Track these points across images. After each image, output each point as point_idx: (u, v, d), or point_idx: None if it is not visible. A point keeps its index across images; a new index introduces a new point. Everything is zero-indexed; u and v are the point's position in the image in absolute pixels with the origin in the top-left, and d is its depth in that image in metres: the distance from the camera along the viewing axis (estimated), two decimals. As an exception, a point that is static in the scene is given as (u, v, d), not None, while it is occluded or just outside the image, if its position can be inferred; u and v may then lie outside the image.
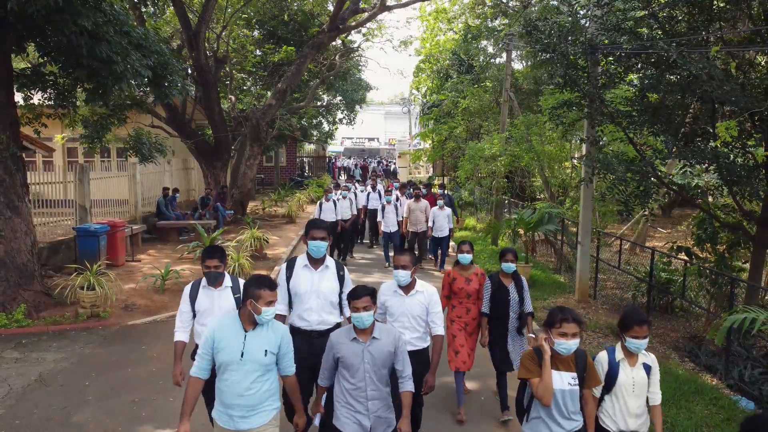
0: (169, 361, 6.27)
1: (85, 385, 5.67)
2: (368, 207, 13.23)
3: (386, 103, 52.27)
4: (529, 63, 19.51)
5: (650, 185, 7.18)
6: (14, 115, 7.87)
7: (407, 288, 4.06)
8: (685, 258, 8.73)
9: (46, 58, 7.53)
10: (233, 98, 21.20)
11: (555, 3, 13.34)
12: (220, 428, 3.19)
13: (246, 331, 3.13)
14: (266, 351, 3.11)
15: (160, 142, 10.07)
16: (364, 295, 3.22)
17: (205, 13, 15.24)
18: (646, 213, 14.63)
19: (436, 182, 26.80)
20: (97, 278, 7.84)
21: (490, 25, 22.28)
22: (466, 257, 5.16)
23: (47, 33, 7.07)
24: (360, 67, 29.54)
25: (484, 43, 22.91)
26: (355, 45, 24.16)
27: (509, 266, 5.01)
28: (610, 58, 7.96)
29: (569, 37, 7.77)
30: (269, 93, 22.18)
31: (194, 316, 4.06)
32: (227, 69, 20.16)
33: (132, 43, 7.61)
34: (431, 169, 32.92)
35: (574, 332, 3.00)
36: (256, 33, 22.24)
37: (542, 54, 7.91)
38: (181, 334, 4.04)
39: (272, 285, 3.14)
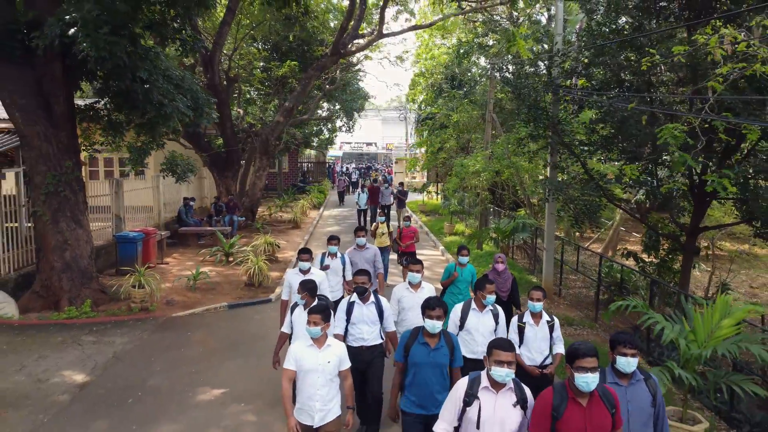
0: (211, 345, 8.03)
1: (151, 360, 7.37)
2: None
3: (383, 109, 54.02)
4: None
5: (595, 205, 8.92)
6: (76, 145, 9.58)
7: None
8: (626, 263, 10.50)
9: (105, 99, 9.25)
10: (241, 111, 22.88)
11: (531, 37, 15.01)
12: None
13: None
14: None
15: (191, 163, 11.75)
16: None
17: (219, 38, 16.92)
18: (616, 222, 16.41)
19: (431, 188, 28.55)
20: (146, 278, 9.54)
21: (481, 41, 23.96)
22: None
23: (109, 81, 8.77)
24: (359, 78, 31.36)
25: (475, 57, 24.60)
26: (355, 60, 25.88)
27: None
28: (567, 98, 9.69)
29: (532, 82, 9.51)
30: (274, 103, 23.92)
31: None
32: (236, 84, 21.85)
33: (172, 83, 9.31)
34: (426, 176, 34.55)
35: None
36: (260, 46, 23.85)
37: (511, 94, 9.62)
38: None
39: None
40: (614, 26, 8.68)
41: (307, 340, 4.21)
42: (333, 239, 7.43)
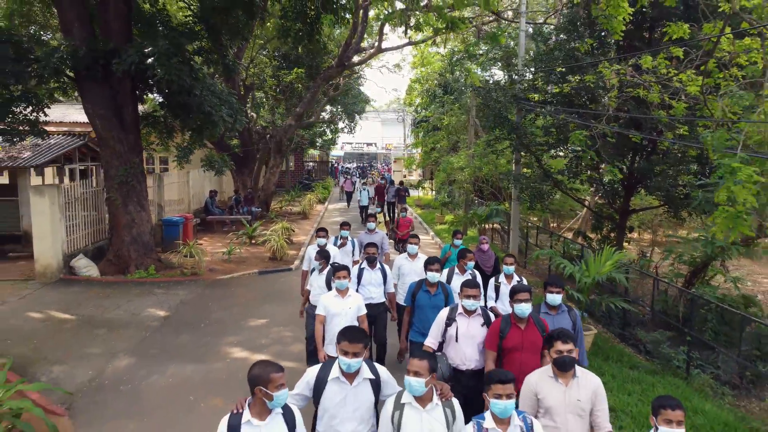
0: (250, 296, 10.62)
1: (209, 304, 9.96)
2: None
3: (383, 111, 56.57)
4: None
5: (545, 191, 11.50)
6: (140, 145, 12.19)
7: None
8: (578, 241, 13.06)
9: (164, 110, 11.87)
10: (254, 115, 25.46)
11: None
12: None
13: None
14: None
15: (225, 159, 14.37)
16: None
17: (240, 52, 19.52)
18: (583, 212, 18.92)
19: (426, 185, 31.04)
20: (195, 250, 12.15)
21: (472, 50, 26.51)
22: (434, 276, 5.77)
23: (170, 96, 11.37)
24: (360, 83, 33.95)
25: (467, 64, 27.15)
26: (356, 69, 28.43)
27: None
28: (526, 108, 12.28)
29: (498, 93, 12.09)
30: (282, 107, 26.48)
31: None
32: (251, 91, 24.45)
33: (216, 97, 11.89)
34: (422, 173, 37.06)
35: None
36: (271, 53, 26.32)
37: (482, 103, 12.22)
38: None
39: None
40: (559, 53, 11.24)
41: (333, 292, 5.38)
42: (345, 225, 8.45)
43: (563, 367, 3.60)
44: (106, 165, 11.82)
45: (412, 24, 11.82)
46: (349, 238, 8.25)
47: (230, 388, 6.46)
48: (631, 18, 8.04)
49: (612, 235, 13.04)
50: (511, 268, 6.54)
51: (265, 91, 26.66)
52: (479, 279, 6.39)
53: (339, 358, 3.49)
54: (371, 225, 8.87)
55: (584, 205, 12.52)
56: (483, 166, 16.26)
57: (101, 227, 13.03)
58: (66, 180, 14.76)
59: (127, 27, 11.43)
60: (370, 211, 17.82)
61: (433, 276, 5.55)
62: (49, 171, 18.56)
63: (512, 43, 16.73)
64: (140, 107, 12.80)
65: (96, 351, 7.58)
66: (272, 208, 23.91)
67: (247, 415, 3.04)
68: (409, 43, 20.65)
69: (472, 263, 6.62)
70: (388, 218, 19.89)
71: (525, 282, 6.31)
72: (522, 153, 12.44)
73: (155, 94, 12.01)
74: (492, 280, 6.68)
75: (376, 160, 54.17)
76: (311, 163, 43.86)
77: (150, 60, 10.16)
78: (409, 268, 6.90)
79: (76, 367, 7.03)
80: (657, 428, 3.04)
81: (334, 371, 3.51)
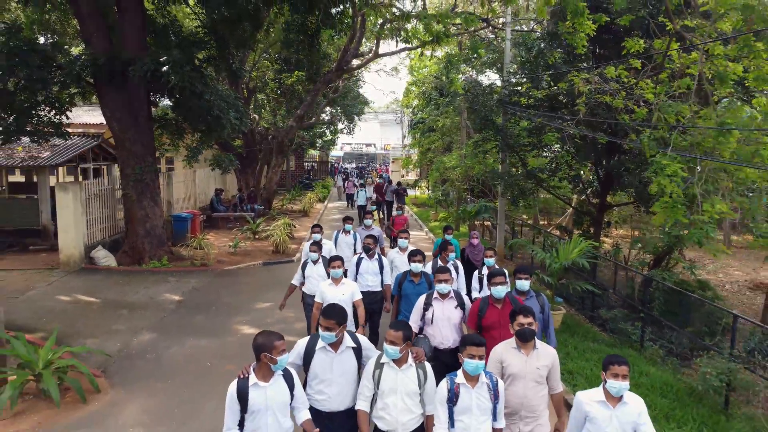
0: (256, 284, 11.58)
1: (219, 291, 10.94)
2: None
3: (381, 112, 57.58)
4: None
5: (528, 188, 12.48)
6: (154, 146, 13.18)
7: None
8: (558, 233, 14.07)
9: (175, 113, 12.86)
10: (257, 117, 26.46)
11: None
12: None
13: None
14: None
15: (232, 159, 15.38)
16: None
17: (244, 58, 20.49)
18: (569, 210, 19.88)
19: (422, 184, 31.94)
20: (204, 243, 13.13)
21: (455, 61, 27.48)
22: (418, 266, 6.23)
23: (181, 100, 12.35)
24: (359, 85, 34.96)
25: (462, 65, 28.13)
26: (355, 72, 29.44)
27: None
28: (511, 110, 13.26)
29: (485, 97, 13.07)
30: (283, 109, 27.47)
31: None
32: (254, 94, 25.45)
33: (224, 100, 12.87)
34: (419, 173, 38.02)
35: None
36: (272, 57, 27.29)
37: (470, 106, 13.20)
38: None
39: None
40: (542, 62, 12.23)
41: (329, 281, 5.92)
42: (348, 219, 9.00)
43: (524, 338, 4.09)
44: (123, 164, 12.80)
45: (401, 37, 12.79)
46: (352, 232, 8.83)
47: (241, 357, 7.43)
48: (595, 32, 9.03)
49: (591, 230, 14.04)
50: (492, 260, 7.07)
51: (267, 93, 27.65)
52: (461, 270, 7.07)
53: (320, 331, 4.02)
54: (368, 221, 9.47)
55: (566, 203, 13.52)
56: (474, 166, 17.25)
57: (115, 222, 14.02)
58: (80, 178, 15.77)
59: (142, 37, 12.41)
60: (367, 210, 18.78)
61: (416, 266, 6.05)
62: (61, 170, 19.57)
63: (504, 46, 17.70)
64: (152, 110, 13.81)
65: (121, 328, 8.57)
66: (274, 206, 24.87)
67: (253, 378, 3.51)
68: (405, 49, 21.60)
69: (453, 254, 7.27)
70: (382, 215, 20.81)
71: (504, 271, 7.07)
72: (507, 153, 13.43)
73: (167, 99, 12.98)
74: (476, 273, 7.18)
75: (375, 160, 55.23)
76: (311, 164, 44.86)
77: (164, 68, 11.14)
78: (400, 261, 7.46)
79: (106, 340, 8.01)
80: (606, 381, 3.52)
81: (320, 342, 4.00)
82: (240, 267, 13.03)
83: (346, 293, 5.81)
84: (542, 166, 12.03)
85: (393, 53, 20.95)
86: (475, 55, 23.40)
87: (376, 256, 7.09)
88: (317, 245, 7.18)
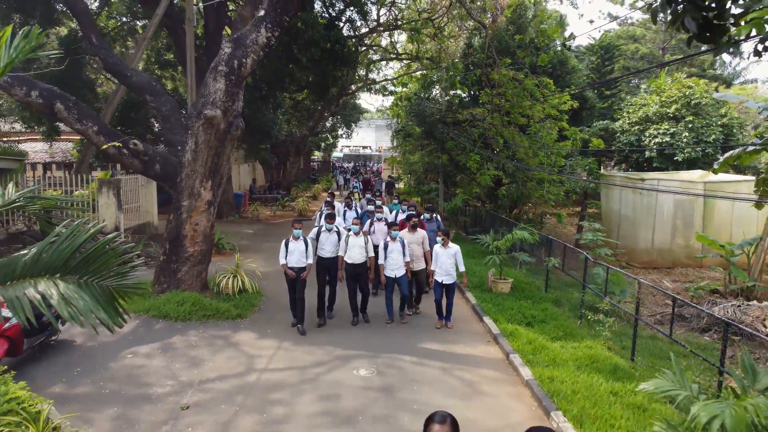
0: (288, 228, 20.27)
1: (271, 230, 19.50)
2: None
3: (376, 119, 66.16)
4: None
5: (456, 178, 20.96)
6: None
7: (380, 221, 16.04)
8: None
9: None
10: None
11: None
12: None
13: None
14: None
15: (272, 157, 23.97)
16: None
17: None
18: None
19: (404, 179, 40.41)
20: (259, 208, 21.73)
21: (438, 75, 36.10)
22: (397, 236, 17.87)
23: (246, 122, 20.94)
24: (355, 99, 43.57)
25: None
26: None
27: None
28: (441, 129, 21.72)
29: (429, 116, 21.54)
30: (294, 120, 36.03)
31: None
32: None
33: (270, 120, 21.34)
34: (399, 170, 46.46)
35: None
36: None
37: (415, 118, 21.71)
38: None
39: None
40: (457, 99, 20.70)
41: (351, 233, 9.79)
42: (349, 198, 18.08)
43: (413, 228, 10.37)
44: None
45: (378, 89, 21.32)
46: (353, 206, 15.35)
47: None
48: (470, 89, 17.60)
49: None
50: (428, 215, 12.56)
51: (285, 108, 36.28)
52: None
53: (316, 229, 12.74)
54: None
55: (476, 184, 22.02)
56: (433, 161, 25.78)
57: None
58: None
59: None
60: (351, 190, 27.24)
61: (395, 233, 9.77)
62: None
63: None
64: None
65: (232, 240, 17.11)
66: (292, 193, 33.50)
67: (290, 240, 9.17)
68: (386, 80, 30.17)
69: (381, 214, 12.12)
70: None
71: (440, 222, 14.52)
72: (441, 154, 21.95)
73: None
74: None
75: (371, 160, 63.91)
76: (317, 163, 53.60)
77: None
78: (377, 228, 11.44)
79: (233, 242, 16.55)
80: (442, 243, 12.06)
81: (323, 228, 9.85)
82: (281, 222, 21.57)
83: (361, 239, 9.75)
84: (463, 162, 20.50)
85: (382, 81, 29.54)
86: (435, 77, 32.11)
87: (361, 234, 9.69)
88: (331, 205, 15.63)
